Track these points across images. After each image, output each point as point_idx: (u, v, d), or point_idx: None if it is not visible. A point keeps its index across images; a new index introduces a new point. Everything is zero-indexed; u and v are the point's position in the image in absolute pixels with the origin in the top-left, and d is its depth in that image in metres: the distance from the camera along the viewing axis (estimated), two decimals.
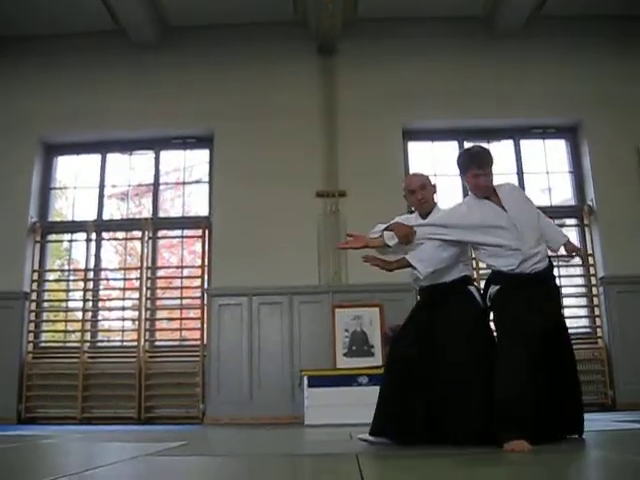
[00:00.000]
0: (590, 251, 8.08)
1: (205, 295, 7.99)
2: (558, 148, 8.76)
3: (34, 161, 8.47)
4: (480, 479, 2.48)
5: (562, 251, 3.98)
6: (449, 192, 8.44)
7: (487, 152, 3.80)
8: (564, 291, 8.14)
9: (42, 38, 8.60)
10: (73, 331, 8.39)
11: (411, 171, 8.47)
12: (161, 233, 8.70)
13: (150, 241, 8.40)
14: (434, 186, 4.15)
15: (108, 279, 8.79)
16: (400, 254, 3.92)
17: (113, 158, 8.91)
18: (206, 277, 8.14)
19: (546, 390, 3.44)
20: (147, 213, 8.72)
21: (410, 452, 3.35)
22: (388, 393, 3.78)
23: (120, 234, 8.87)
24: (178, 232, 8.77)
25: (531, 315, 3.47)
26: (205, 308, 7.94)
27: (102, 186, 8.74)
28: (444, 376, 3.68)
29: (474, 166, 3.71)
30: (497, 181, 3.84)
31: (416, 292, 4.15)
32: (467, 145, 8.51)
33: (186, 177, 8.92)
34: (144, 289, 8.14)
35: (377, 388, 3.88)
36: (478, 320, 3.82)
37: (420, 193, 4.04)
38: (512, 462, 2.87)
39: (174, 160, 8.96)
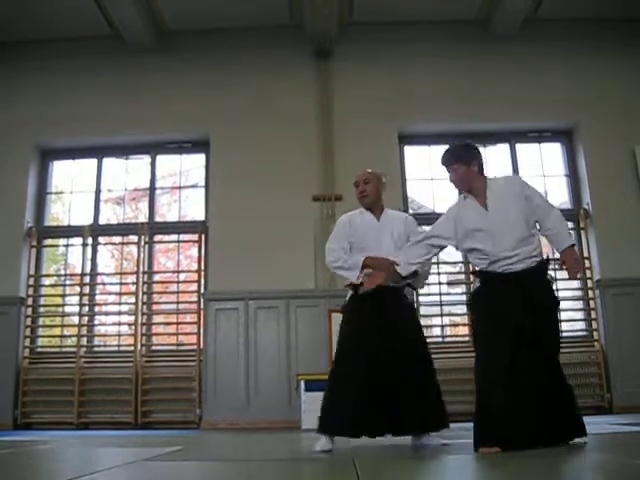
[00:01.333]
0: (586, 254, 8.09)
1: (202, 299, 7.98)
2: (554, 152, 8.78)
3: (30, 166, 8.46)
4: (477, 473, 2.49)
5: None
6: (446, 196, 8.46)
7: (452, 150, 3.85)
8: (560, 294, 8.15)
9: (38, 43, 8.59)
10: (69, 336, 8.37)
11: (407, 175, 8.50)
12: (157, 238, 8.69)
13: (146, 246, 8.39)
14: (383, 185, 4.35)
15: (104, 284, 8.78)
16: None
17: (109, 163, 8.90)
18: (203, 281, 8.13)
19: (524, 392, 3.38)
20: (143, 218, 8.71)
21: (406, 455, 3.35)
22: (353, 388, 3.81)
23: (116, 239, 8.86)
24: (174, 237, 8.76)
25: (502, 316, 3.48)
26: (202, 312, 7.93)
27: (98, 191, 8.73)
28: (400, 364, 3.85)
29: (444, 166, 3.83)
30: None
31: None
32: None
33: (182, 181, 8.92)
34: (140, 294, 8.12)
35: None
36: (412, 312, 4.25)
37: (362, 186, 4.26)
38: (511, 464, 2.87)
39: (170, 164, 8.95)
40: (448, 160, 3.80)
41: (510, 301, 3.51)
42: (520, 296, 3.52)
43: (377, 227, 4.21)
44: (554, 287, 3.77)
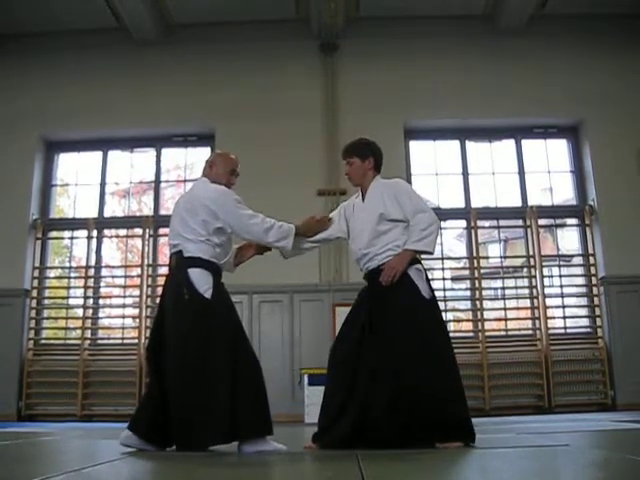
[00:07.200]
0: (591, 251, 8.08)
1: None
2: (560, 148, 8.75)
3: (35, 158, 8.47)
4: (482, 471, 2.49)
5: None
6: (451, 191, 8.46)
7: (351, 144, 3.85)
8: (564, 291, 8.16)
9: (44, 35, 8.59)
10: (74, 328, 8.40)
11: (412, 170, 8.47)
12: (162, 231, 8.69)
13: (151, 239, 8.41)
14: None
15: (109, 277, 8.79)
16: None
17: (114, 155, 8.91)
18: None
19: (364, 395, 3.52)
20: (148, 211, 8.73)
21: (408, 450, 3.35)
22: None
23: (121, 231, 8.87)
24: None
25: (352, 316, 3.72)
26: None
27: (103, 183, 8.75)
28: None
29: (343, 158, 3.87)
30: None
31: None
32: (469, 144, 8.54)
33: (187, 175, 8.93)
34: (145, 287, 8.14)
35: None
36: None
37: (235, 176, 4.27)
38: (506, 457, 2.87)
39: (175, 158, 8.96)
40: (345, 153, 3.85)
41: (361, 300, 3.71)
42: (368, 294, 3.68)
43: None
44: (421, 285, 3.54)
